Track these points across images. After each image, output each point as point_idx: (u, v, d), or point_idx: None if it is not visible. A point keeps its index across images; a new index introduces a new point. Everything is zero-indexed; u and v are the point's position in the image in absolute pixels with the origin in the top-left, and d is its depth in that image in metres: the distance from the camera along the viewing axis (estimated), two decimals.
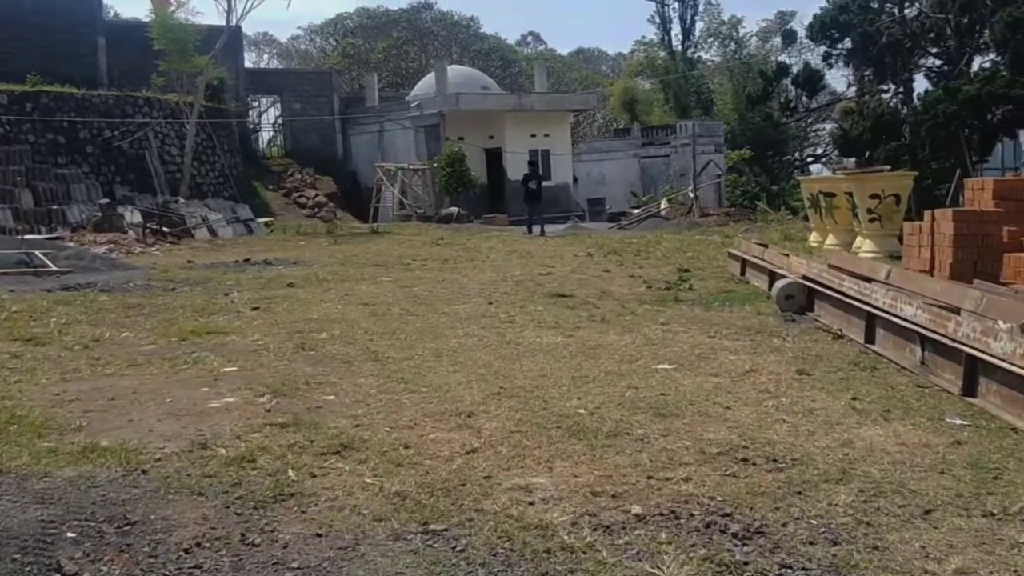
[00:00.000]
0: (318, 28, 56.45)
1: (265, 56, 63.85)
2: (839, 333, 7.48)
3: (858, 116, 26.66)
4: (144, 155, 26.59)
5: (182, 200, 24.98)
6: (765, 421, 4.80)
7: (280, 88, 37.41)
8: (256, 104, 38.33)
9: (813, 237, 18.67)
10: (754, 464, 4.11)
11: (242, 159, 32.14)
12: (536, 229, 23.85)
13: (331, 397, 5.45)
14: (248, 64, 47.79)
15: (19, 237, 14.78)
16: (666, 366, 6.34)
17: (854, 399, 5.28)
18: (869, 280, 7.95)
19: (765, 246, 12.68)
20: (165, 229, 22.17)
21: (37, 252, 14.02)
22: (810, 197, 18.61)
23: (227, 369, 6.29)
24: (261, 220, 26.15)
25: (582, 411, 5.06)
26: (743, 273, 12.54)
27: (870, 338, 6.92)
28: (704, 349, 6.97)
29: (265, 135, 39.26)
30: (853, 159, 21.15)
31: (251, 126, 37.12)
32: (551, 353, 6.82)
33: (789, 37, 43.46)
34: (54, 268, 13.67)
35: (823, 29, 28.25)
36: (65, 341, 7.54)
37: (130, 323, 8.54)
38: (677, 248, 17.70)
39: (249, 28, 73.54)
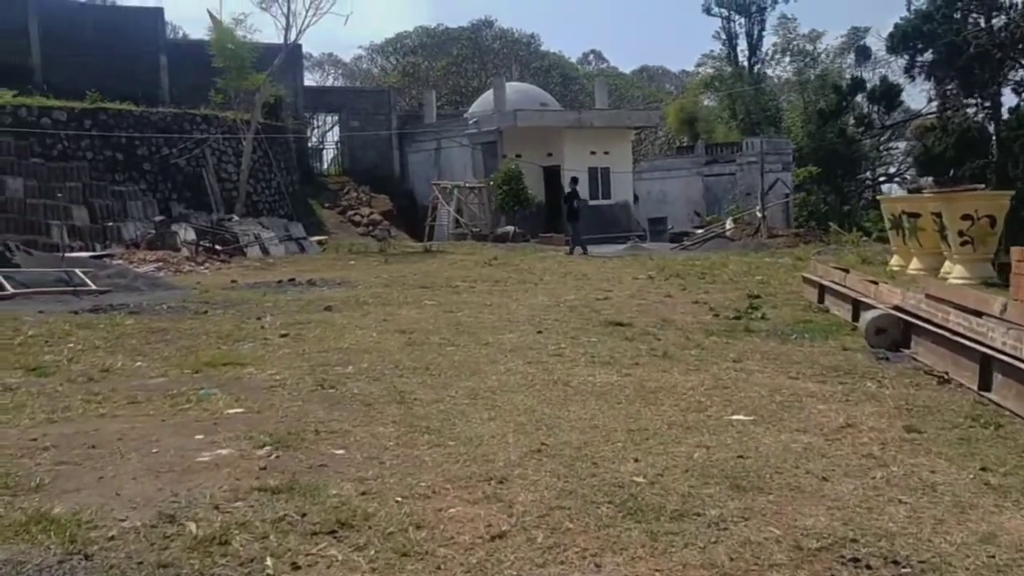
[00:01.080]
0: (379, 47, 56.43)
1: (330, 76, 64.18)
2: (945, 377, 6.40)
3: (940, 132, 25.16)
4: (201, 172, 26.38)
5: (236, 218, 24.62)
6: (875, 501, 3.80)
7: (339, 106, 37.21)
8: (314, 122, 38.16)
9: (894, 261, 17.38)
10: (868, 567, 3.13)
11: (299, 177, 31.88)
12: (578, 249, 23.04)
13: (340, 451, 4.59)
14: (312, 83, 48.03)
15: (60, 255, 14.35)
16: (742, 417, 5.36)
17: (984, 470, 4.23)
18: (979, 314, 6.86)
19: (846, 271, 11.57)
20: (217, 247, 21.78)
21: (77, 271, 13.55)
22: (891, 218, 17.33)
23: (231, 411, 5.50)
24: (314, 239, 25.69)
25: (640, 479, 4.12)
26: (821, 300, 11.44)
27: (986, 385, 5.84)
28: (786, 395, 5.97)
29: (328, 153, 39.09)
30: (930, 178, 19.80)
31: (310, 144, 36.93)
32: (605, 397, 5.89)
33: (863, 53, 41.92)
34: (93, 287, 13.19)
35: (904, 40, 26.80)
36: (71, 371, 6.86)
37: (148, 350, 7.84)
38: (745, 271, 16.60)
39: (314, 48, 74.33)
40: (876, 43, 62.41)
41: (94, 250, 21.50)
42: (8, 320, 9.28)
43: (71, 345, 7.97)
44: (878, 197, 21.64)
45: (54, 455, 4.56)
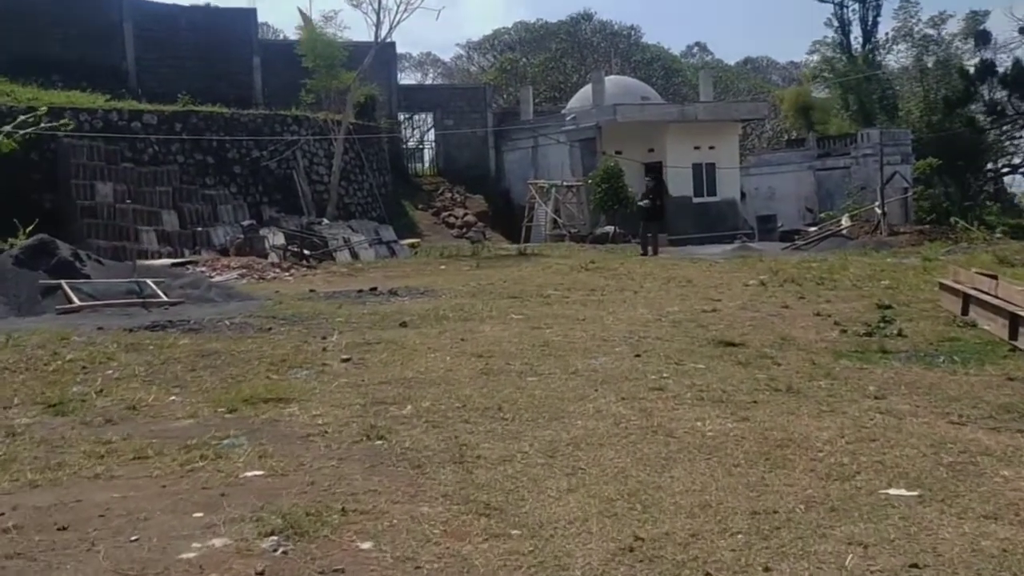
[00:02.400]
0: (476, 45, 55.70)
1: (429, 76, 63.89)
2: None
3: None
4: (292, 175, 25.96)
5: (326, 221, 24.07)
6: None
7: (433, 105, 36.50)
8: (409, 122, 37.55)
9: None
10: None
11: (392, 178, 31.24)
12: (649, 250, 21.67)
13: (367, 545, 3.48)
14: (412, 83, 47.58)
15: (132, 264, 13.81)
16: (903, 492, 4.03)
17: None
18: None
19: (994, 277, 9.90)
20: (305, 252, 21.21)
21: (149, 281, 12.94)
22: None
23: (250, 473, 4.47)
24: (406, 241, 24.96)
25: None
26: (965, 312, 9.83)
27: None
28: (954, 453, 4.59)
29: (427, 153, 38.44)
30: None
31: (405, 144, 36.34)
32: (717, 454, 4.63)
33: (983, 38, 38.90)
34: (164, 299, 12.54)
35: None
36: (94, 408, 5.99)
37: (189, 380, 6.94)
38: (868, 275, 14.92)
39: (413, 48, 74.40)
40: (1000, 26, 58.37)
41: (183, 255, 21.20)
42: (54, 340, 8.57)
43: (108, 373, 7.14)
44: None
45: (6, 542, 3.60)
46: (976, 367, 7.13)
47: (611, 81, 34.77)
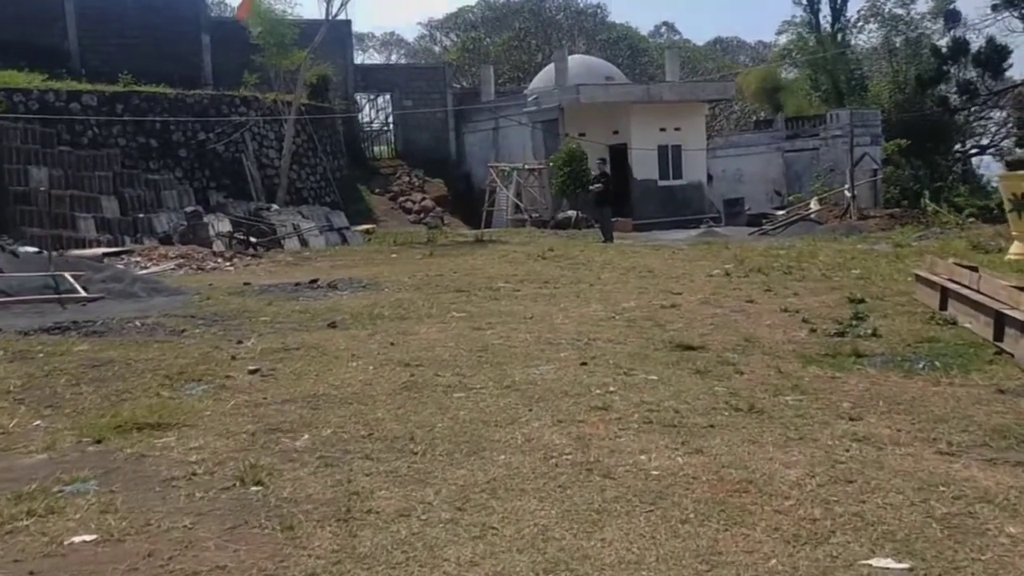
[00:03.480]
0: (438, 24, 54.45)
1: (394, 56, 62.48)
2: None
3: None
4: (240, 158, 24.81)
5: (275, 207, 23.01)
6: None
7: (391, 85, 35.35)
8: (373, 103, 36.34)
9: (1015, 249, 14.72)
10: None
11: (347, 161, 30.15)
12: (615, 238, 21.02)
13: None
14: (375, 62, 46.23)
15: (47, 254, 12.74)
16: (890, 564, 3.21)
17: None
18: None
19: (974, 269, 9.17)
20: (252, 240, 20.18)
21: (68, 275, 11.91)
22: (1013, 198, 14.70)
23: (78, 539, 3.57)
24: (360, 228, 23.97)
25: None
26: (944, 307, 9.10)
27: None
28: (947, 500, 3.80)
29: (381, 135, 37.24)
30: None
31: (362, 126, 35.17)
32: (661, 504, 3.80)
33: (952, 18, 38.33)
34: (83, 295, 11.55)
35: None
36: None
37: (67, 398, 6.00)
38: (839, 263, 14.20)
39: (375, 27, 72.92)
40: (969, 4, 58.06)
41: (123, 243, 20.12)
42: None
43: None
44: (996, 174, 18.77)
45: None
46: (961, 374, 6.38)
47: (574, 60, 33.84)
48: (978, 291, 8.34)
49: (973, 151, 49.50)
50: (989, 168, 51.34)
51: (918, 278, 10.40)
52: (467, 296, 11.09)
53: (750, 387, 6.00)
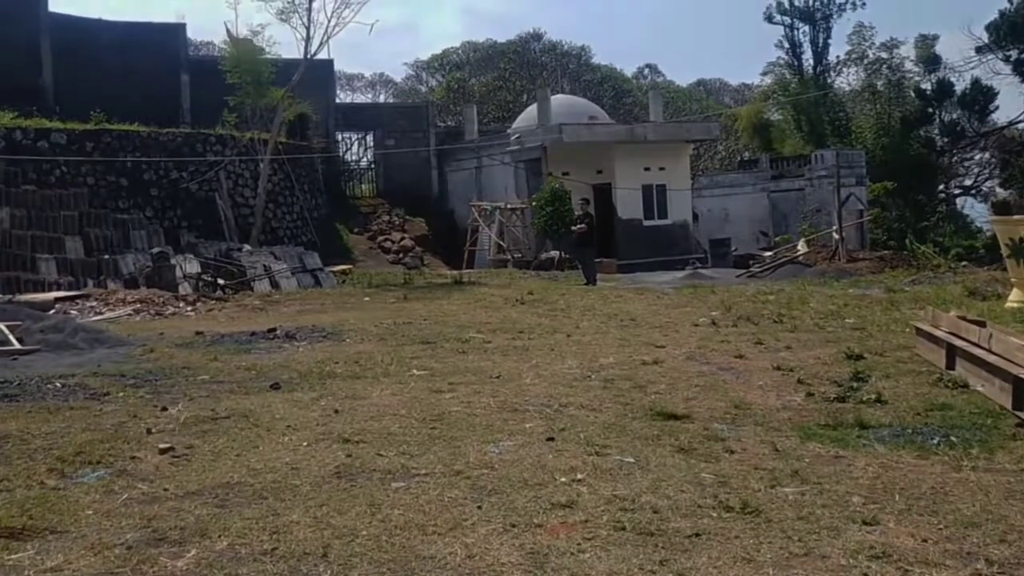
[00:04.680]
0: (424, 64, 54.04)
1: (382, 96, 62.04)
2: None
3: None
4: (214, 197, 23.98)
5: (247, 248, 22.14)
6: None
7: (374, 124, 34.72)
8: (362, 142, 35.62)
9: (1015, 296, 13.98)
10: None
11: (327, 200, 29.36)
12: (598, 280, 20.26)
13: None
14: (362, 101, 45.47)
15: None
16: None
17: None
18: None
19: (982, 324, 8.37)
20: (220, 281, 19.28)
21: (1, 325, 10.99)
22: (1011, 243, 13.98)
23: None
24: (336, 268, 23.10)
25: None
26: (951, 366, 8.30)
27: None
28: None
29: (364, 174, 36.51)
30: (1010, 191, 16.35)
31: (344, 164, 34.46)
32: None
33: (933, 61, 38.14)
34: (15, 347, 10.64)
35: (1014, 31, 22.83)
36: None
37: None
38: (831, 310, 13.44)
39: (365, 68, 72.53)
40: (949, 48, 58.24)
41: (85, 286, 19.20)
42: None
43: None
44: (991, 218, 18.09)
45: None
46: (983, 453, 5.56)
47: (557, 100, 33.34)
48: (990, 351, 7.53)
49: (957, 192, 49.26)
50: (973, 209, 51.14)
51: (919, 331, 9.61)
52: (433, 349, 10.24)
53: (742, 473, 5.16)
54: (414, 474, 5.16)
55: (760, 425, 6.38)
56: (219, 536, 4.14)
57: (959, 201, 49.38)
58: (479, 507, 4.53)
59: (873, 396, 7.18)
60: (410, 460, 5.45)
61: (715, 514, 4.41)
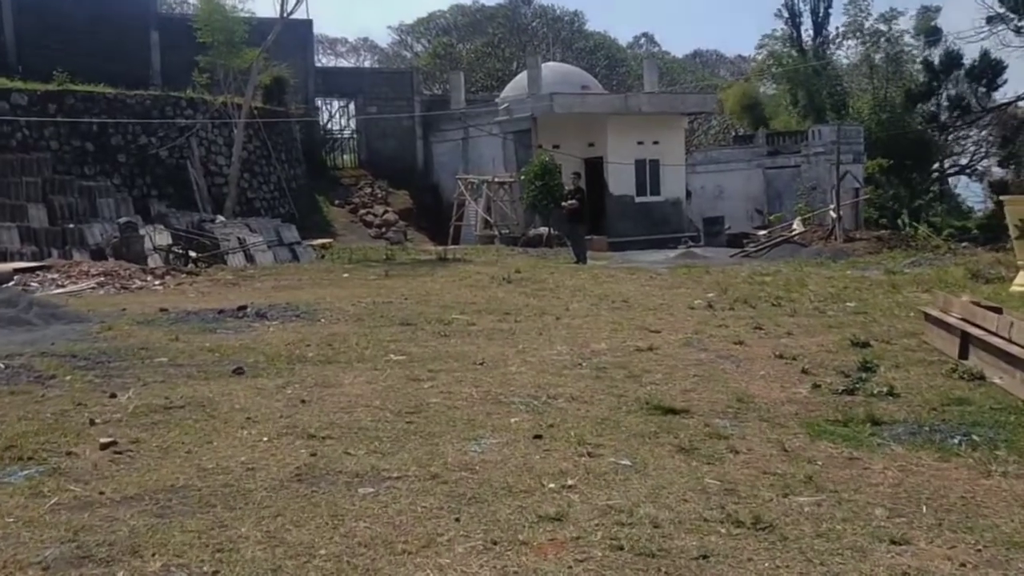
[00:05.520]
0: (409, 28, 52.88)
1: (367, 61, 60.80)
2: None
3: None
4: (185, 165, 23.13)
5: (220, 219, 21.35)
6: None
7: (355, 90, 33.71)
8: (344, 110, 34.60)
9: (1021, 279, 13.46)
10: None
11: (306, 170, 28.48)
12: (589, 258, 19.59)
13: None
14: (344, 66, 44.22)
15: None
16: None
17: None
18: None
19: (998, 310, 7.80)
20: (192, 254, 18.54)
21: None
22: (1021, 224, 13.45)
23: None
24: (315, 242, 22.34)
25: None
26: (964, 355, 7.73)
27: None
28: None
29: (345, 143, 35.55)
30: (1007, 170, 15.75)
31: (325, 132, 33.52)
32: None
33: (933, 35, 37.43)
34: None
35: None
36: None
37: None
38: (831, 293, 12.87)
39: (349, 33, 71.34)
40: (951, 20, 57.41)
41: (49, 255, 18.42)
42: None
43: None
44: (1001, 198, 17.51)
45: None
46: (1012, 456, 4.98)
47: (548, 68, 32.44)
48: (1011, 341, 6.96)
49: (951, 170, 48.72)
50: (967, 188, 50.59)
51: (927, 317, 9.05)
52: (412, 331, 9.58)
53: (750, 478, 4.56)
54: (385, 477, 4.53)
55: (765, 420, 5.80)
56: (152, 555, 3.51)
57: (952, 180, 48.89)
58: (457, 519, 3.92)
59: (884, 389, 6.60)
60: (381, 460, 4.83)
61: (723, 530, 3.81)
